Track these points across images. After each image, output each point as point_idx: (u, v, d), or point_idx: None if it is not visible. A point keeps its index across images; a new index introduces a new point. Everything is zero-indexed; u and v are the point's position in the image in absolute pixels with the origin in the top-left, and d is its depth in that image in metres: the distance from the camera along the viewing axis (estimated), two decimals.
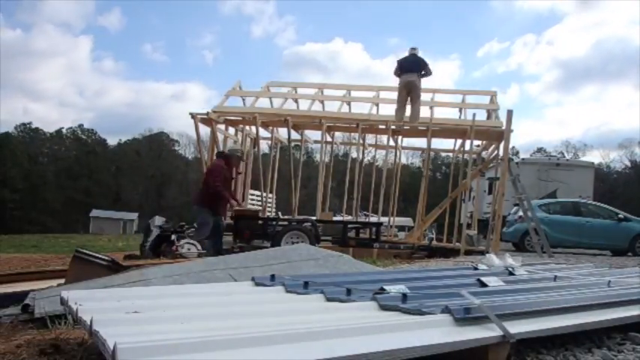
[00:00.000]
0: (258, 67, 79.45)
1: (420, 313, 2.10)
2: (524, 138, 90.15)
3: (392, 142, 12.34)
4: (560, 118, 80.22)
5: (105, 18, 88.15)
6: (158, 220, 9.47)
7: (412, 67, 9.99)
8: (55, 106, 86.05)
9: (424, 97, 11.26)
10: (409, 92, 10.11)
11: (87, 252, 4.44)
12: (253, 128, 11.70)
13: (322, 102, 12.74)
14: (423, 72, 10.29)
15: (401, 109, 10.50)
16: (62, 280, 4.32)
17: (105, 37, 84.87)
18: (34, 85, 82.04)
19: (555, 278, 3.45)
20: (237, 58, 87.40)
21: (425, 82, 10.79)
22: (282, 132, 12.41)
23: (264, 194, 11.87)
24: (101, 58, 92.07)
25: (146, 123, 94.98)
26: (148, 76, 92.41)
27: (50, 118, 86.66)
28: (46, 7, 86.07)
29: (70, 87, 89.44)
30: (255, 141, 12.01)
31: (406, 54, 10.74)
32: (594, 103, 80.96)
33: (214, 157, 9.08)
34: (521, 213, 11.04)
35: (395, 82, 10.80)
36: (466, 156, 11.90)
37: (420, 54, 10.58)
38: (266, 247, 7.68)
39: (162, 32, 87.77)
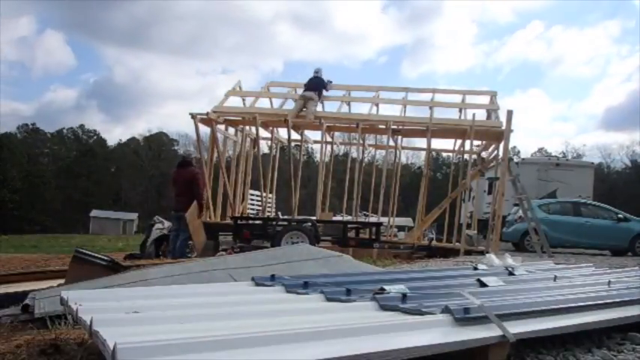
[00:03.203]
0: None
1: (420, 313, 2.10)
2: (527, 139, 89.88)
3: (392, 142, 12.34)
4: None
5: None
6: (158, 221, 9.50)
7: (313, 88, 11.80)
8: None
9: (423, 97, 12.80)
10: (306, 102, 11.67)
11: (87, 252, 4.44)
12: (253, 128, 11.69)
13: (322, 102, 12.73)
14: (322, 90, 12.02)
15: (297, 110, 11.67)
16: (62, 280, 4.32)
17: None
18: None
19: (555, 278, 3.45)
20: None
21: (425, 83, 11.11)
22: (282, 132, 12.41)
23: (264, 194, 11.86)
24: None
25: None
26: None
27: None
28: None
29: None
30: (255, 141, 12.00)
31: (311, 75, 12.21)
32: None
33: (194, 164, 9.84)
34: (521, 213, 11.03)
35: (394, 82, 10.94)
36: (466, 156, 11.89)
37: (322, 75, 12.26)
38: (266, 247, 7.69)
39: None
